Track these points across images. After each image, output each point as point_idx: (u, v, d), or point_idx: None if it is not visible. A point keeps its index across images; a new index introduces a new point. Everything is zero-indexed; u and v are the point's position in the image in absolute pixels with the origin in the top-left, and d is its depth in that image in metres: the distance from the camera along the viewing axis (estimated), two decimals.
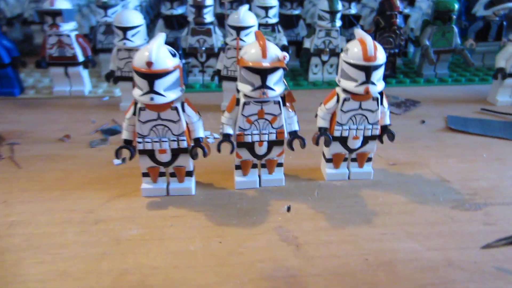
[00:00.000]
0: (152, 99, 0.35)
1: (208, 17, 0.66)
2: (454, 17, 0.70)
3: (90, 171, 0.46)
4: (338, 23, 0.67)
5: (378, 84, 0.39)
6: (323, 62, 0.71)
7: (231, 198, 0.41)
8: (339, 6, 0.66)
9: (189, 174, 0.42)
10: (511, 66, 0.63)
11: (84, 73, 0.65)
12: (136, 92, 0.36)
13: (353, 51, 0.39)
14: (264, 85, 0.37)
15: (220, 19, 0.74)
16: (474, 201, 0.41)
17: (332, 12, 0.66)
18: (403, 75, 0.77)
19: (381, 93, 0.41)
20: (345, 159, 0.45)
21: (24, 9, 0.86)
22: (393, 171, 0.47)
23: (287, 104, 0.40)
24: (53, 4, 0.59)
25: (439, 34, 0.72)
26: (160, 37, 0.37)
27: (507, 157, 0.50)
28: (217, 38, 0.67)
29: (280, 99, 0.39)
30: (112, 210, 0.39)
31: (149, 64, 0.35)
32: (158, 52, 0.35)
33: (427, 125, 0.59)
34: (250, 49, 0.37)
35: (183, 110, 0.38)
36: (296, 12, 0.76)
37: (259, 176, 0.43)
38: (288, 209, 0.40)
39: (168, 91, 0.36)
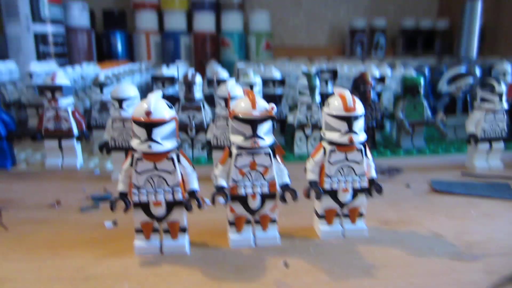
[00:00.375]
0: (149, 146, 0.37)
1: (198, 94, 0.71)
2: (422, 91, 0.77)
3: (80, 233, 0.45)
4: (318, 98, 0.73)
5: (360, 134, 0.42)
6: (307, 137, 0.75)
7: (226, 255, 0.41)
8: (317, 83, 0.72)
9: (183, 230, 0.42)
10: (482, 131, 0.67)
11: (78, 146, 0.67)
12: (134, 142, 0.38)
13: (334, 104, 0.42)
14: (255, 135, 0.39)
15: (208, 99, 0.79)
16: (471, 253, 0.41)
17: (311, 88, 0.72)
18: (383, 147, 0.82)
19: (364, 145, 0.44)
20: (338, 215, 0.46)
21: (21, 94, 0.90)
22: (386, 228, 0.48)
23: (277, 156, 0.42)
24: (54, 80, 0.63)
25: (411, 107, 0.78)
26: (157, 92, 0.39)
27: (495, 213, 0.51)
28: (206, 114, 0.71)
29: (270, 151, 0.41)
30: (103, 267, 0.38)
31: (148, 113, 0.37)
32: (156, 103, 0.38)
33: (413, 189, 0.61)
34: (241, 102, 0.40)
35: (179, 161, 0.40)
36: (279, 91, 0.82)
37: (254, 235, 0.43)
38: (286, 264, 0.39)
39: (165, 140, 0.38)
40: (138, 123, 0.37)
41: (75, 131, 0.66)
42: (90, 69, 0.96)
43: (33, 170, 0.67)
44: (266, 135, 0.40)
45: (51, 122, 0.65)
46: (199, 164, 0.72)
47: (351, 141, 0.41)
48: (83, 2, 1.40)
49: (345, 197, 0.44)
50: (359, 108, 0.42)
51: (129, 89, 0.58)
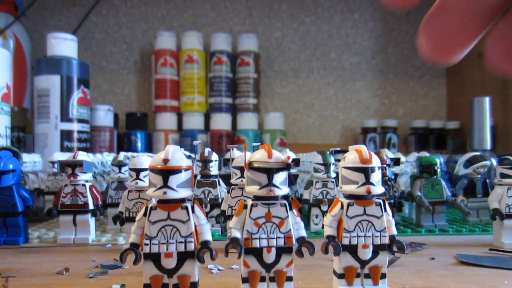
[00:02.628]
0: (165, 193, 0.37)
1: (213, 170, 0.72)
2: (438, 170, 0.77)
3: None
4: (333, 174, 0.73)
5: (378, 186, 0.42)
6: (323, 213, 0.74)
7: None
8: (332, 159, 0.73)
9: (194, 286, 0.39)
10: (506, 207, 0.65)
11: (91, 221, 0.67)
12: (150, 190, 0.38)
13: (349, 158, 0.43)
14: (270, 183, 0.39)
15: (224, 178, 0.80)
16: None
17: (326, 164, 0.72)
18: (403, 226, 0.79)
19: (383, 200, 0.43)
20: (358, 275, 0.43)
21: (41, 182, 0.93)
22: None
23: (294, 210, 0.41)
24: (75, 157, 0.66)
25: (429, 186, 0.77)
26: (176, 146, 0.41)
27: None
28: (221, 190, 0.71)
29: (286, 202, 0.40)
30: None
31: (166, 161, 0.38)
32: (174, 152, 0.39)
33: (438, 261, 0.57)
34: (256, 154, 0.41)
35: (193, 211, 0.39)
36: (294, 171, 0.83)
37: None
38: None
39: (181, 188, 0.38)
40: (155, 171, 0.38)
41: (91, 205, 0.66)
42: (110, 157, 1.00)
43: (45, 245, 0.66)
44: (282, 185, 0.40)
45: (68, 197, 0.65)
46: (213, 238, 0.70)
47: (368, 191, 0.41)
48: (109, 106, 1.51)
49: (365, 254, 0.42)
50: (376, 161, 0.42)
51: (147, 161, 0.60)
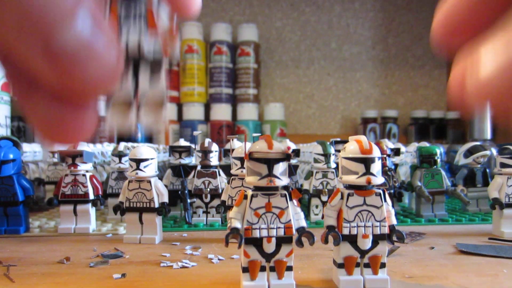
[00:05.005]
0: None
1: (214, 160, 0.72)
2: (438, 160, 0.77)
3: (88, 285, 0.43)
4: (333, 165, 0.73)
5: (378, 176, 0.42)
6: (323, 203, 0.74)
7: None
8: (332, 150, 0.73)
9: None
10: (506, 196, 0.65)
11: (92, 211, 0.67)
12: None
13: (349, 148, 0.43)
14: (271, 174, 0.39)
15: (224, 168, 0.80)
16: None
17: (326, 155, 0.72)
18: (403, 216, 0.79)
19: (383, 191, 0.43)
20: (358, 265, 0.43)
21: (42, 172, 0.93)
22: (411, 282, 0.45)
23: (294, 200, 0.41)
24: (76, 147, 0.66)
25: (429, 176, 0.77)
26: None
27: None
28: (221, 180, 0.71)
29: (286, 192, 0.41)
30: None
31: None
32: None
33: (437, 250, 0.57)
34: (257, 144, 0.41)
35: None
36: (294, 161, 0.83)
37: (268, 281, 0.41)
38: None
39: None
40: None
41: (91, 195, 0.66)
42: (110, 147, 1.00)
43: (46, 234, 0.67)
44: (282, 175, 0.40)
45: (69, 187, 0.66)
46: (213, 228, 0.70)
47: (369, 182, 0.41)
48: None
49: (365, 244, 0.42)
50: (376, 151, 0.42)
51: (147, 151, 0.59)
